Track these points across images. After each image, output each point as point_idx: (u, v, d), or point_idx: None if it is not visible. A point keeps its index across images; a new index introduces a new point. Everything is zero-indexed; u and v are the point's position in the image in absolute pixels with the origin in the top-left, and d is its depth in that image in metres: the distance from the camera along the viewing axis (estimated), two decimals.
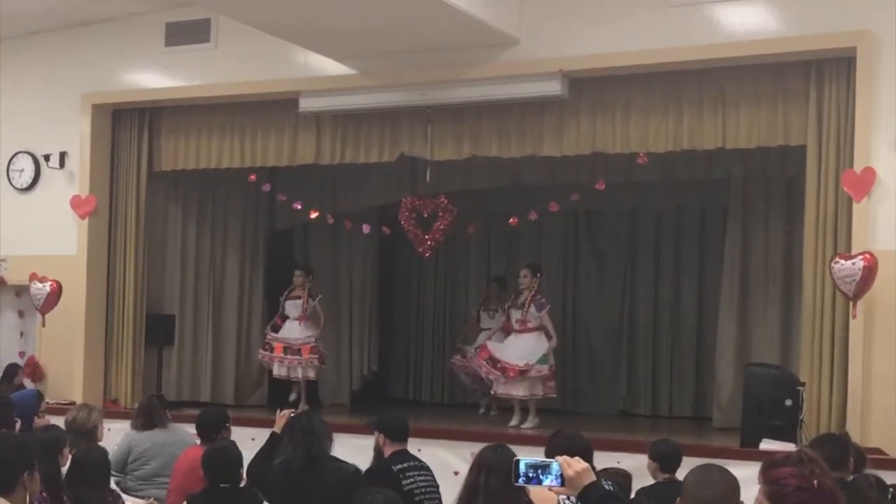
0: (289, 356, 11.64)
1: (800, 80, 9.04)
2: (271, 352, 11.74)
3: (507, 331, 10.93)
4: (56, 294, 11.11)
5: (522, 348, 10.57)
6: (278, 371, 11.79)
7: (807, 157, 8.99)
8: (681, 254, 13.28)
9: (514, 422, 10.59)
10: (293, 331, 11.78)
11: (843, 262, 8.31)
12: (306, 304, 11.80)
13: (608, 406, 13.20)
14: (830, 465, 3.50)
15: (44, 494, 5.27)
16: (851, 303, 8.40)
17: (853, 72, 8.69)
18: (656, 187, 12.09)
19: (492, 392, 11.03)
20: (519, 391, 10.55)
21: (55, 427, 6.35)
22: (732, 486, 3.75)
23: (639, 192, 12.32)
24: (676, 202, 12.99)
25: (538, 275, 10.88)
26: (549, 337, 10.68)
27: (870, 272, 8.19)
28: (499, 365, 10.54)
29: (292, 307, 11.90)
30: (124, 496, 6.40)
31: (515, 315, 10.74)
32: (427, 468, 6.50)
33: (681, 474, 6.39)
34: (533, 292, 10.69)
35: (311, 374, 11.79)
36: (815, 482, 3.21)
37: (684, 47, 9.08)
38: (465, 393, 12.95)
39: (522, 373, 10.43)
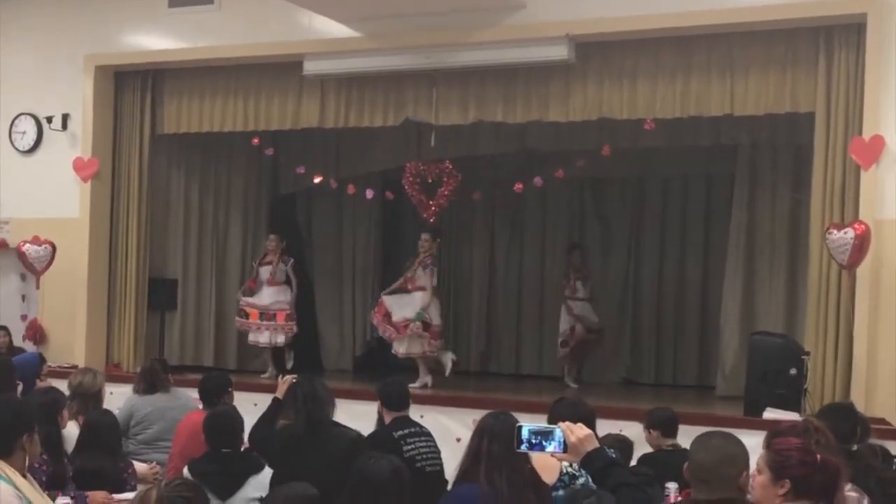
0: (264, 322, 11.67)
1: (809, 46, 8.94)
2: (247, 318, 11.75)
3: (403, 289, 11.08)
4: (51, 256, 11.11)
5: (410, 306, 10.79)
6: (254, 338, 11.78)
7: (815, 125, 8.91)
8: (686, 221, 13.23)
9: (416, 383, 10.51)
10: (266, 296, 11.76)
11: (836, 232, 8.26)
12: (275, 268, 11.77)
13: (611, 374, 13.18)
14: (838, 436, 3.46)
15: (44, 456, 5.27)
16: (847, 272, 8.36)
17: (863, 38, 8.58)
18: (663, 154, 12.00)
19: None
20: (401, 349, 10.84)
21: (54, 389, 6.34)
22: (730, 452, 3.66)
23: (645, 159, 12.23)
24: (683, 170, 12.91)
25: (438, 240, 11.22)
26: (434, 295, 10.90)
27: (862, 241, 8.13)
28: (391, 322, 10.79)
29: (265, 272, 11.87)
30: None
31: (407, 274, 10.99)
32: (428, 434, 6.49)
33: (681, 440, 6.38)
34: (426, 254, 10.88)
35: (280, 340, 11.73)
36: (819, 457, 3.15)
37: (693, 12, 8.97)
38: (468, 360, 12.89)
39: (406, 329, 10.67)
